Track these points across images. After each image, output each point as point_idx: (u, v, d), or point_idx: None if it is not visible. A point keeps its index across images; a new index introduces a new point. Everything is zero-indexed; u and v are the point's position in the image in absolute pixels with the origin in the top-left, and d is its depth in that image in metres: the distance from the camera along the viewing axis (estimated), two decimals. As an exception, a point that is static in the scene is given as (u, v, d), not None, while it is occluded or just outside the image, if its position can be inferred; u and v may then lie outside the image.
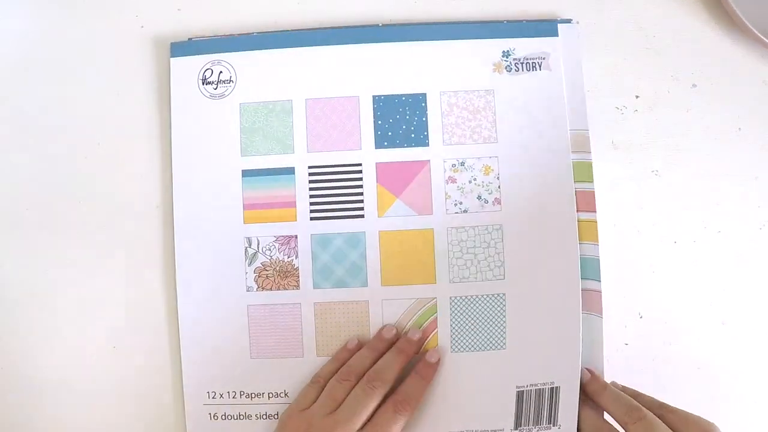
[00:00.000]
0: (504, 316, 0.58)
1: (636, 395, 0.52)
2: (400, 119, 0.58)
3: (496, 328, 0.58)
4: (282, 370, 0.58)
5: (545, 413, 0.58)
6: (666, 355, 0.58)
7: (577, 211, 0.58)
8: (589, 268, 0.58)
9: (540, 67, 0.58)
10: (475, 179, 0.58)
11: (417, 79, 0.58)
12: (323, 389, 0.54)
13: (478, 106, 0.58)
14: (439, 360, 0.57)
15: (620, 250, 0.58)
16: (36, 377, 0.57)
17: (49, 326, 0.58)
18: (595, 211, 0.58)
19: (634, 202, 0.58)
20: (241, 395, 0.58)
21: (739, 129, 0.58)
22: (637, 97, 0.59)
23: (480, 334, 0.58)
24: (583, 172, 0.58)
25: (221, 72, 0.57)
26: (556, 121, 0.58)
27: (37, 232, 0.58)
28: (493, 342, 0.58)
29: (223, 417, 0.58)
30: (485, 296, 0.58)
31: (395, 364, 0.54)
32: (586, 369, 0.55)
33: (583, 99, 0.58)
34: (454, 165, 0.58)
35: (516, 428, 0.58)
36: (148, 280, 0.58)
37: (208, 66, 0.57)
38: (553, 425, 0.58)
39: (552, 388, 0.58)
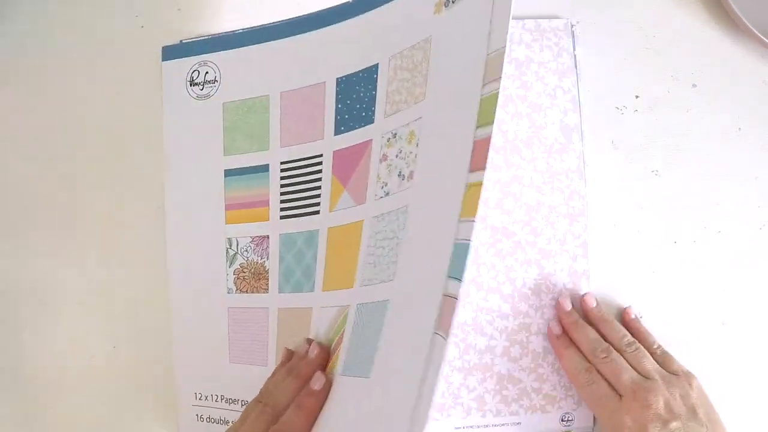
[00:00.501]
0: (380, 332, 0.42)
1: (611, 330, 0.52)
2: (356, 99, 0.51)
3: (370, 346, 0.43)
4: (252, 378, 0.53)
5: None
6: None
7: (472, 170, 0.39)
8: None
9: None
10: (400, 152, 0.46)
11: (371, 50, 0.50)
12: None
13: (416, 61, 0.47)
14: (322, 387, 0.45)
15: (620, 250, 0.57)
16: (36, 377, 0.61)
17: (47, 327, 0.61)
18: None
19: (634, 202, 0.57)
20: (221, 400, 0.56)
21: (739, 129, 0.58)
22: (637, 97, 0.58)
23: (360, 355, 0.44)
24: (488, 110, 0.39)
25: (207, 72, 0.57)
26: (476, 53, 0.41)
27: (35, 233, 0.59)
28: (360, 366, 0.43)
29: (208, 419, 0.56)
30: (371, 304, 0.44)
31: (287, 387, 0.46)
32: (560, 300, 0.53)
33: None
34: (389, 139, 0.48)
35: None
36: (146, 277, 0.59)
37: (195, 67, 0.57)
38: None
39: None
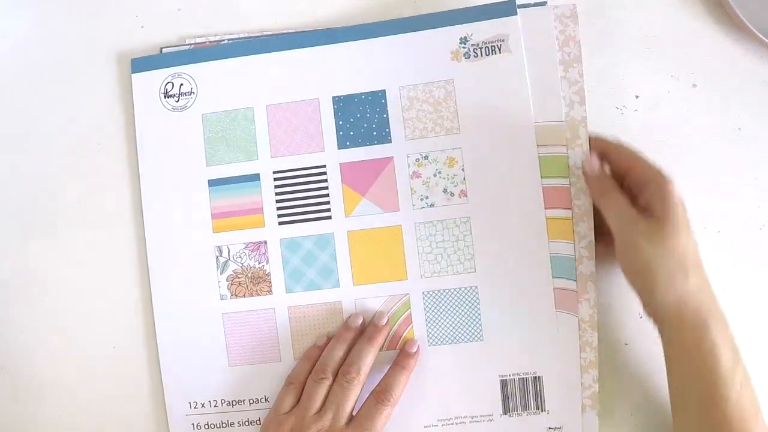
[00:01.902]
0: (478, 309, 0.56)
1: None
2: (361, 118, 0.58)
3: (472, 320, 0.56)
4: (261, 376, 0.58)
5: (532, 399, 0.55)
6: None
7: (546, 207, 0.56)
8: (563, 267, 0.56)
9: (500, 50, 0.57)
10: (439, 172, 0.57)
11: (375, 77, 0.58)
12: (300, 391, 0.54)
13: (438, 97, 0.58)
14: (418, 350, 0.56)
15: None
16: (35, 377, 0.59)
17: (47, 327, 0.60)
18: (569, 209, 0.56)
19: None
20: (222, 403, 0.58)
21: (739, 129, 0.58)
22: (637, 97, 0.58)
23: (456, 327, 0.56)
24: (554, 166, 0.56)
25: (182, 84, 0.58)
26: (519, 109, 0.56)
27: (35, 233, 0.60)
28: (470, 334, 0.56)
29: (206, 426, 0.58)
30: (457, 290, 0.56)
31: (367, 354, 0.53)
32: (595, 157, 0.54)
33: (555, 87, 0.56)
34: (417, 159, 0.58)
35: (505, 413, 0.55)
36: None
37: (168, 79, 0.58)
38: (542, 411, 0.55)
39: (535, 377, 0.56)
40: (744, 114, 0.58)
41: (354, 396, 0.52)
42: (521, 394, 0.56)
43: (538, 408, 0.56)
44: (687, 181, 0.57)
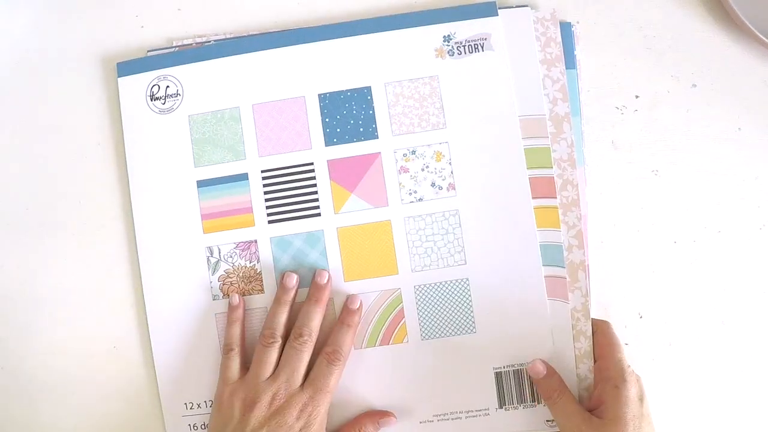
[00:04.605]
0: (470, 301, 0.57)
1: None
2: (347, 114, 0.59)
3: (464, 313, 0.57)
4: None
5: (527, 392, 0.56)
6: (666, 355, 0.58)
7: (534, 197, 0.57)
8: (552, 255, 0.57)
9: (482, 48, 0.58)
10: (427, 167, 0.58)
11: (360, 73, 0.59)
12: (242, 356, 0.55)
13: (423, 93, 0.58)
14: (361, 305, 0.56)
15: (620, 250, 0.58)
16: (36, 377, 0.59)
17: (47, 327, 0.60)
18: (555, 197, 0.57)
19: (634, 202, 0.58)
20: None
21: (739, 129, 0.59)
22: (637, 97, 0.59)
23: (448, 320, 0.57)
24: (539, 157, 0.57)
25: (168, 86, 0.58)
26: (504, 104, 0.57)
27: (35, 233, 0.60)
28: (463, 327, 0.57)
29: (203, 427, 0.58)
30: (449, 282, 0.57)
31: (315, 315, 0.54)
32: (540, 362, 0.55)
33: (537, 82, 0.57)
34: (405, 154, 0.58)
35: (501, 407, 0.56)
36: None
37: (154, 82, 0.58)
38: (538, 403, 0.56)
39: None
40: (744, 114, 0.59)
41: (307, 357, 0.53)
42: (517, 386, 0.56)
43: (534, 401, 0.56)
44: (687, 181, 0.59)
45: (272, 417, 0.51)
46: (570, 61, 0.58)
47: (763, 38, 0.56)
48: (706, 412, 0.58)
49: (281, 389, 0.52)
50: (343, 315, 0.56)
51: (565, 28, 0.58)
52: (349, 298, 0.56)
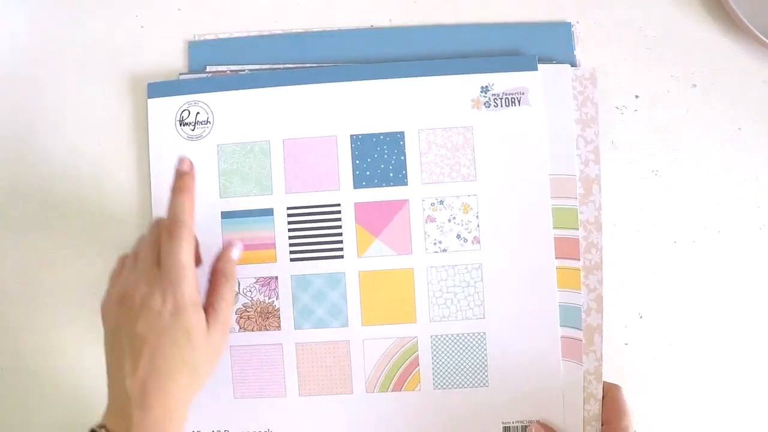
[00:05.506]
0: (485, 355, 0.57)
1: None
2: (378, 158, 0.58)
3: (478, 366, 0.57)
4: (265, 409, 0.58)
5: None
6: (666, 355, 0.58)
7: (557, 257, 0.57)
8: (570, 316, 0.57)
9: (519, 102, 0.58)
10: (454, 218, 0.58)
11: (394, 117, 0.59)
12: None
13: (456, 143, 0.58)
14: (192, 166, 0.52)
15: (620, 250, 0.58)
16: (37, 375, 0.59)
17: (47, 327, 0.60)
18: (578, 259, 0.57)
19: (634, 202, 0.59)
20: None
21: (739, 129, 0.59)
22: (637, 97, 0.59)
23: (462, 372, 0.57)
24: (566, 218, 0.58)
25: (198, 113, 0.58)
26: (536, 161, 0.57)
27: (34, 233, 0.60)
28: (476, 380, 0.57)
29: None
30: (466, 335, 0.57)
31: (183, 203, 0.50)
32: (539, 426, 0.56)
33: (571, 142, 0.57)
34: (433, 204, 0.58)
35: None
36: None
37: (185, 107, 0.58)
38: None
39: None
40: (744, 114, 0.59)
41: (185, 244, 0.48)
42: None
43: None
44: (687, 181, 0.59)
45: (141, 309, 0.47)
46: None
47: (763, 38, 0.56)
48: (706, 412, 0.58)
49: (151, 275, 0.48)
50: (174, 182, 0.50)
51: (565, 28, 0.59)
52: (178, 160, 0.51)
